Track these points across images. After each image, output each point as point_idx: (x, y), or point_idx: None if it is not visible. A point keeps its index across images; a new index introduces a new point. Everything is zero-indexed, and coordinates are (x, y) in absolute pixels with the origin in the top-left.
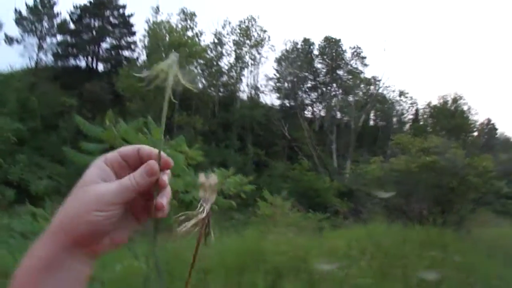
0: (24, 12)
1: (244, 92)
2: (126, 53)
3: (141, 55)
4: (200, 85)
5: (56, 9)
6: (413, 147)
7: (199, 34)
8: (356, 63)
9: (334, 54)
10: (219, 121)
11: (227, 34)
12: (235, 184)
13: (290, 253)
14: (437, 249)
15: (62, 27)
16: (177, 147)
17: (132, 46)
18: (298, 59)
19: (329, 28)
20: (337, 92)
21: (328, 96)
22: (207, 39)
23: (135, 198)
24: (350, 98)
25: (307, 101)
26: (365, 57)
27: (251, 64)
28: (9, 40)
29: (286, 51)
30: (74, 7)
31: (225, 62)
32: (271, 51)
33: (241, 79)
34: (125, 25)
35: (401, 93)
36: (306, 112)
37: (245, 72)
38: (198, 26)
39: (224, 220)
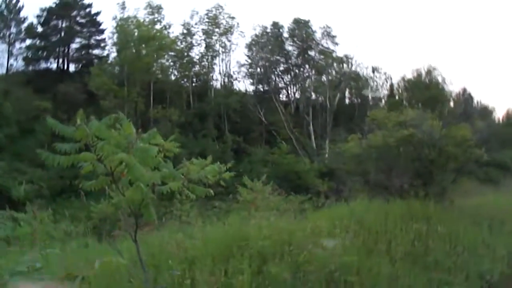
0: None
1: (217, 81)
2: (96, 51)
3: (111, 53)
4: (173, 77)
5: (22, 13)
6: (389, 122)
7: (167, 27)
8: (327, 43)
9: (304, 35)
10: (195, 112)
11: (196, 24)
12: (214, 172)
13: (273, 237)
14: (421, 222)
15: (30, 31)
16: (149, 140)
17: (102, 44)
18: (268, 43)
19: (297, 10)
20: (310, 73)
21: (301, 78)
22: (176, 31)
23: None
24: (324, 78)
25: (281, 85)
26: (335, 36)
27: (222, 52)
28: None
29: (256, 36)
30: (40, 9)
31: (196, 52)
32: (241, 38)
33: (213, 68)
34: (93, 24)
35: (374, 69)
36: (281, 95)
37: (217, 60)
38: (165, 18)
39: (206, 209)
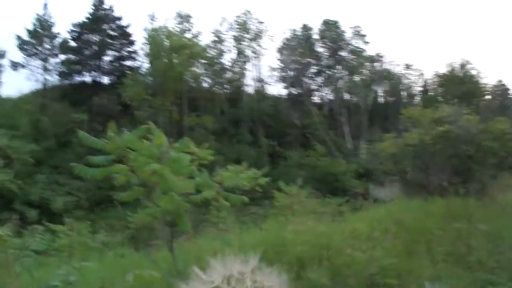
0: (26, 37)
1: (250, 86)
2: (128, 63)
3: (143, 63)
4: (205, 85)
5: (55, 29)
6: (425, 119)
7: (197, 35)
8: (357, 42)
9: (334, 36)
10: (228, 118)
11: (225, 31)
12: (249, 179)
13: (311, 242)
14: (462, 220)
15: (64, 46)
16: (182, 149)
17: (134, 56)
18: (299, 46)
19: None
20: (343, 74)
21: (334, 79)
22: (206, 39)
23: None
24: (356, 78)
25: (313, 87)
26: (365, 35)
27: (253, 57)
28: (14, 65)
29: (286, 39)
30: (72, 25)
31: (227, 58)
32: (271, 42)
33: (245, 74)
34: (124, 36)
35: (407, 66)
36: (314, 97)
37: (248, 66)
38: (195, 27)
39: (243, 215)
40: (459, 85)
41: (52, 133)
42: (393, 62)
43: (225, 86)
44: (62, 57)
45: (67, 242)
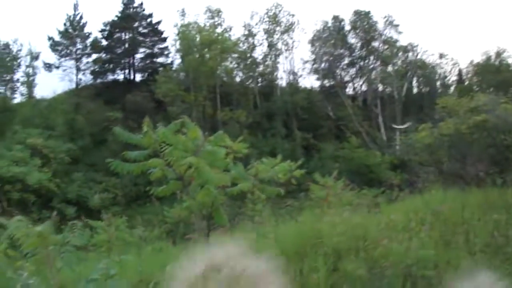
0: (57, 38)
1: (282, 79)
2: (160, 59)
3: (175, 59)
4: (238, 79)
5: (86, 29)
6: (461, 108)
7: (228, 29)
8: (390, 32)
9: (366, 26)
10: (262, 112)
11: (256, 24)
12: (284, 171)
13: (348, 233)
14: (500, 211)
15: (96, 45)
16: (217, 142)
17: (165, 52)
18: (330, 37)
19: (356, 1)
20: (376, 64)
21: (367, 70)
22: (237, 33)
23: None
24: (390, 69)
25: (346, 78)
26: (398, 25)
27: (285, 50)
28: (48, 66)
29: (318, 31)
30: (103, 24)
31: (259, 52)
32: (302, 34)
33: (277, 67)
34: (155, 33)
35: (441, 56)
36: (347, 89)
37: (280, 59)
38: (225, 21)
39: (278, 208)
40: (495, 74)
41: (87, 132)
42: (427, 51)
43: (257, 79)
44: (95, 56)
45: (105, 238)
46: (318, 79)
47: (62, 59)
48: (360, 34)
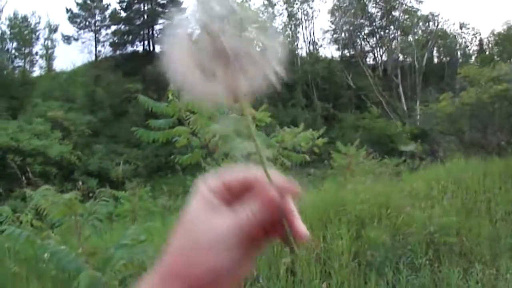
0: (76, 10)
1: (302, 49)
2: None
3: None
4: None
5: (104, 1)
6: (482, 78)
7: None
8: (410, 2)
9: None
10: (282, 82)
11: None
12: (307, 139)
13: (370, 201)
14: None
15: (114, 17)
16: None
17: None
18: (351, 7)
19: None
20: (396, 34)
21: (387, 40)
22: (256, 3)
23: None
24: (410, 38)
25: (367, 48)
26: None
27: (305, 20)
28: (66, 39)
29: (338, 0)
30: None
31: (279, 22)
32: (322, 4)
33: (297, 37)
34: (174, 3)
35: (462, 25)
36: (367, 59)
37: (300, 28)
38: None
39: (300, 177)
40: None
41: (107, 104)
42: (448, 21)
43: None
44: (113, 28)
45: (129, 207)
46: (338, 49)
47: (81, 31)
48: (380, 3)
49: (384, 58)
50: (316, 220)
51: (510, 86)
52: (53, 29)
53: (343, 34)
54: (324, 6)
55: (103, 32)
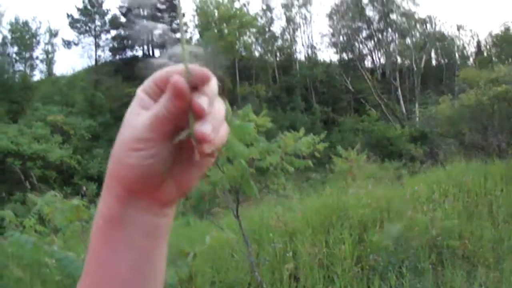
0: (76, 15)
1: (301, 53)
2: (178, 35)
3: (194, 35)
4: (256, 53)
5: (104, 6)
6: (481, 79)
7: (246, 4)
8: (407, 4)
9: None
10: (281, 86)
11: None
12: (308, 144)
13: (372, 205)
14: None
15: (114, 22)
16: (245, 117)
17: (184, 28)
18: (348, 11)
19: None
20: (394, 37)
21: (385, 43)
22: (255, 8)
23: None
24: (408, 41)
25: (365, 51)
26: None
27: (303, 24)
28: (67, 43)
29: (336, 4)
30: (121, 0)
31: (277, 26)
32: (320, 8)
33: (295, 41)
34: (173, 8)
35: (459, 27)
36: (366, 62)
37: (299, 32)
38: None
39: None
40: None
41: (107, 108)
42: (445, 23)
43: (276, 54)
44: (113, 32)
45: None
46: (336, 52)
47: (81, 36)
48: (378, 7)
49: (383, 61)
50: (319, 225)
51: (509, 87)
52: (53, 34)
53: (341, 38)
54: (322, 10)
55: (103, 36)
